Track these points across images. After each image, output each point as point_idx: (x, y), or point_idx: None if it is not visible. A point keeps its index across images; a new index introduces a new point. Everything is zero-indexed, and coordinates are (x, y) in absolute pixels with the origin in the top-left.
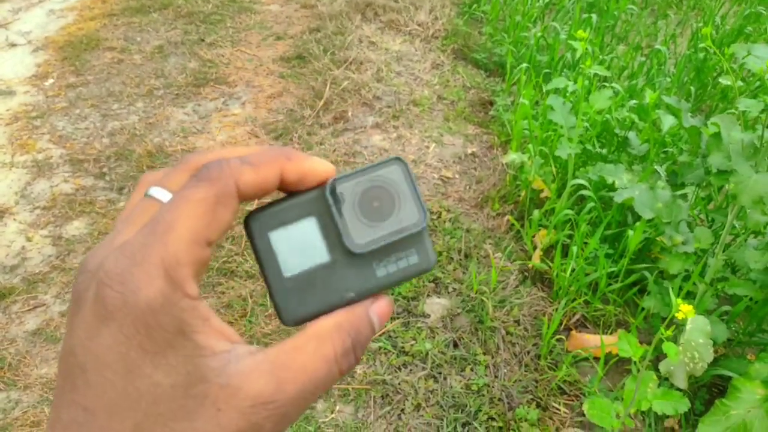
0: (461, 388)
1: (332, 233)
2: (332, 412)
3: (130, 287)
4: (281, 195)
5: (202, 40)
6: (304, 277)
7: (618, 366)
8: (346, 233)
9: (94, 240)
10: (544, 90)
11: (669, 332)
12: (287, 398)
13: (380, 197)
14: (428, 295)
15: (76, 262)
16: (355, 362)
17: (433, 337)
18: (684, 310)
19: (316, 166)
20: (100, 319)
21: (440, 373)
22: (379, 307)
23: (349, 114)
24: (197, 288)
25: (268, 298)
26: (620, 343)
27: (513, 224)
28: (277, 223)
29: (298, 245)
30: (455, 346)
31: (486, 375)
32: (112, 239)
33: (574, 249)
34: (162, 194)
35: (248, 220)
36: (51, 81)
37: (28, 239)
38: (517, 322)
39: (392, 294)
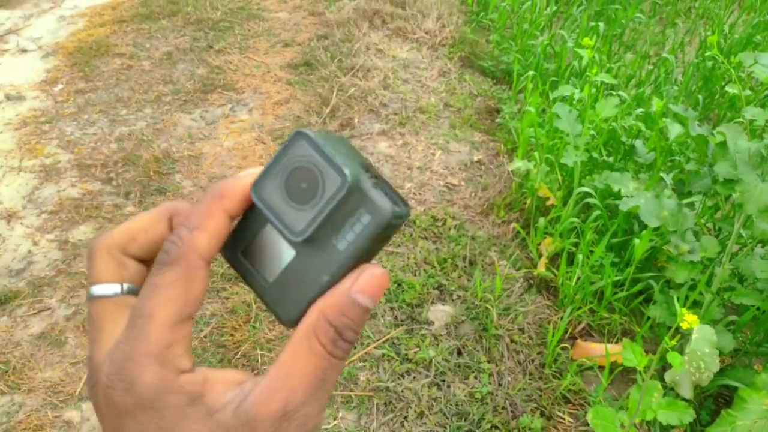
0: (465, 396)
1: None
2: (335, 419)
3: (129, 380)
4: None
5: (211, 47)
6: (284, 278)
7: (623, 375)
8: (285, 227)
9: None
10: (550, 98)
11: (674, 342)
12: (300, 402)
13: (303, 177)
14: (432, 302)
15: (81, 267)
16: (348, 344)
17: (437, 345)
18: (689, 319)
19: (245, 186)
20: (119, 417)
21: (444, 380)
22: (363, 282)
23: (356, 121)
24: (190, 358)
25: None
26: (625, 353)
27: (518, 232)
28: (242, 243)
29: (268, 253)
30: (459, 353)
31: (490, 383)
32: (96, 351)
33: (580, 257)
34: (104, 289)
35: (221, 251)
36: (60, 86)
37: (35, 243)
38: (522, 330)
39: (392, 299)
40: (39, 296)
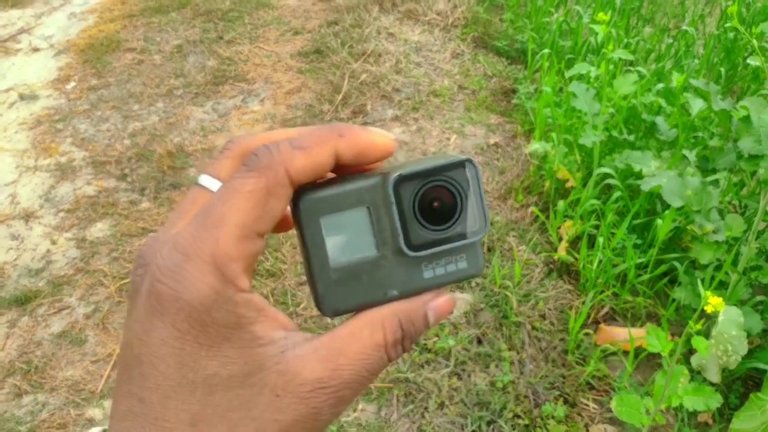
0: (486, 385)
1: (385, 228)
2: (354, 411)
3: (183, 284)
4: None
5: (221, 38)
6: (349, 269)
7: (649, 360)
8: (403, 234)
9: (118, 241)
10: (566, 76)
11: (699, 326)
12: (343, 382)
13: (442, 198)
14: (450, 290)
15: (100, 264)
16: (402, 352)
17: (457, 334)
18: (713, 302)
19: (374, 139)
20: (154, 313)
21: (464, 370)
22: (438, 304)
23: (368, 107)
24: (249, 280)
25: (307, 284)
26: (648, 338)
27: (537, 215)
28: (329, 208)
29: (348, 235)
30: (479, 342)
31: (511, 371)
32: (166, 230)
33: (601, 240)
34: (211, 182)
35: (298, 200)
36: (73, 84)
37: (53, 242)
38: (543, 316)
39: None
40: (58, 295)
